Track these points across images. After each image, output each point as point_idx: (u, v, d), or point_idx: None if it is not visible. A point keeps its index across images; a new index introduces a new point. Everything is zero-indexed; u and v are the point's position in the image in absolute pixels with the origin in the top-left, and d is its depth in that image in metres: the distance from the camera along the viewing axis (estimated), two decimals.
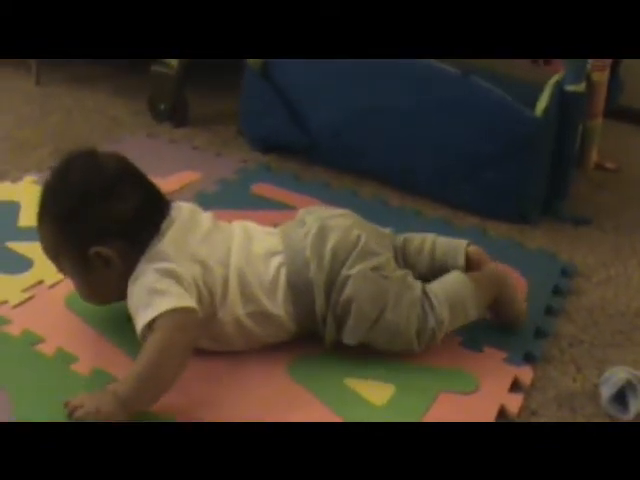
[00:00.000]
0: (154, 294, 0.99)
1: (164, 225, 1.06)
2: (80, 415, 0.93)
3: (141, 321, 0.99)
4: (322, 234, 1.09)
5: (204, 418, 0.98)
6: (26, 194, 1.50)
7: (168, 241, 1.04)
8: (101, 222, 1.03)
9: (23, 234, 1.36)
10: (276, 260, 1.08)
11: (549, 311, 1.26)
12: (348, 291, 1.06)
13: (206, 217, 1.12)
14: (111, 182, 1.04)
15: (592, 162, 1.75)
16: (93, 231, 1.03)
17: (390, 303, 1.07)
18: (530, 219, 1.53)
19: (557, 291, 1.31)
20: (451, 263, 1.17)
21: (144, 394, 0.96)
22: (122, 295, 1.04)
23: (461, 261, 1.17)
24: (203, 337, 1.06)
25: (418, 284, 1.11)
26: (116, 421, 0.93)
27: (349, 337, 1.08)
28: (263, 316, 1.06)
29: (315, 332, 1.10)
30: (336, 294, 1.06)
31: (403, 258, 1.18)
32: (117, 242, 1.03)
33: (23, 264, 1.28)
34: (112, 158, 1.08)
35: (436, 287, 1.11)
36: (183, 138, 1.82)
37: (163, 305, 0.98)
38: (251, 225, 1.15)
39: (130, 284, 1.02)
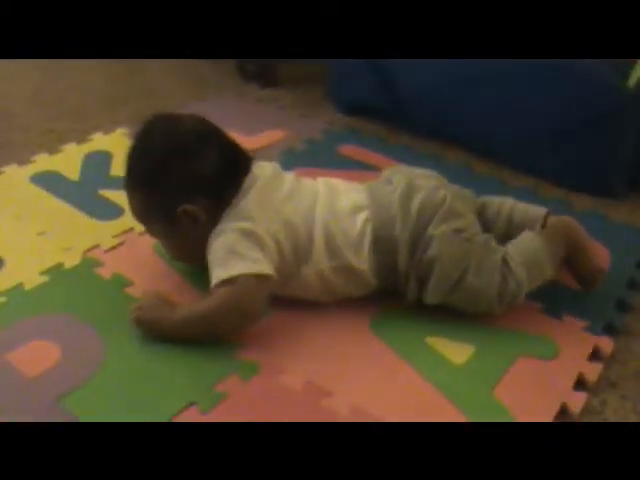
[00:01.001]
0: (231, 255, 1.02)
1: (247, 183, 1.08)
2: (141, 316, 1.03)
3: (215, 278, 1.02)
4: (409, 192, 1.09)
5: (286, 368, 1.01)
6: (118, 145, 1.55)
7: (252, 199, 1.06)
8: (183, 181, 1.05)
9: (115, 182, 1.41)
10: (362, 215, 1.09)
11: (632, 284, 1.24)
12: (431, 251, 1.06)
13: (289, 175, 1.14)
14: (189, 142, 1.06)
15: None
16: (177, 190, 1.05)
17: (472, 265, 1.07)
18: (617, 193, 1.51)
19: None
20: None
21: (187, 333, 1.03)
22: None
23: (537, 231, 1.16)
24: (288, 287, 1.09)
25: (500, 249, 1.11)
26: (161, 330, 1.03)
27: (431, 296, 1.08)
28: (347, 270, 1.08)
29: (397, 289, 1.11)
30: (420, 252, 1.07)
31: (481, 220, 1.18)
32: (201, 199, 1.06)
33: (114, 211, 1.33)
34: (191, 119, 1.11)
35: (512, 250, 1.11)
36: (270, 98, 1.84)
37: (237, 268, 1.01)
38: (335, 181, 1.16)
39: (211, 238, 1.05)
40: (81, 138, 1.58)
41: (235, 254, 1.02)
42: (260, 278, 1.02)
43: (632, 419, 0.99)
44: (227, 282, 1.01)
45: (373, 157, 1.57)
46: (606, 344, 1.10)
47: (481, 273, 1.07)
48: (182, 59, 2.02)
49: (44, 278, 1.15)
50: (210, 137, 1.09)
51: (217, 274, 1.02)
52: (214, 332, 1.03)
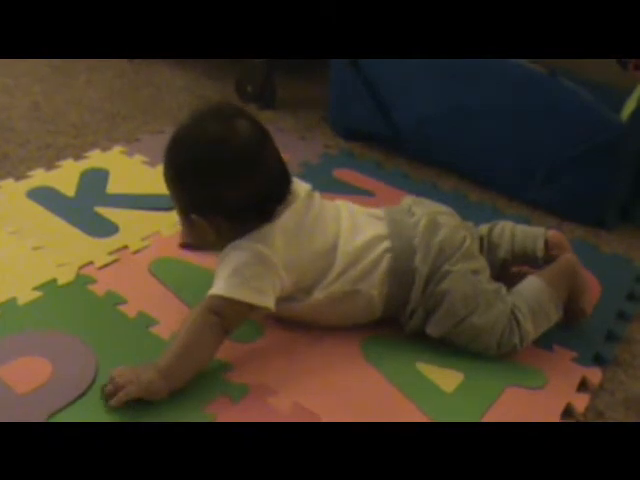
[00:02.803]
0: (237, 276, 1.01)
1: (280, 208, 1.05)
2: (121, 382, 0.95)
3: (214, 289, 1.02)
4: (432, 227, 1.10)
5: (276, 391, 1.01)
6: (115, 163, 1.56)
7: (280, 225, 1.04)
8: (205, 197, 1.03)
9: (111, 200, 1.43)
10: (383, 245, 1.09)
11: (622, 316, 1.25)
12: (445, 284, 1.07)
13: (317, 196, 1.12)
14: (233, 163, 1.01)
15: None
16: (194, 199, 1.03)
17: (480, 307, 1.08)
18: (608, 224, 1.52)
19: (631, 296, 1.30)
20: (531, 247, 1.19)
21: (181, 368, 0.98)
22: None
23: (540, 244, 1.19)
24: (292, 310, 1.09)
25: (509, 299, 1.11)
26: (157, 391, 0.96)
27: (434, 329, 1.09)
28: (355, 294, 1.08)
29: (398, 319, 1.12)
30: (433, 285, 1.08)
31: (488, 244, 1.20)
32: (218, 219, 1.03)
33: (110, 229, 1.34)
34: (253, 127, 1.04)
35: (518, 300, 1.11)
36: (268, 121, 1.84)
37: (237, 292, 1.00)
38: (356, 207, 1.16)
39: (227, 249, 1.03)
40: (78, 154, 1.59)
41: (241, 277, 1.01)
42: (254, 307, 1.02)
43: None
44: (222, 298, 1.01)
45: (369, 182, 1.58)
46: (595, 374, 1.10)
47: (487, 316, 1.08)
48: (181, 79, 2.04)
49: (38, 293, 1.15)
50: (261, 155, 1.03)
51: (217, 287, 1.01)
52: (204, 356, 1.01)
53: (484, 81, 1.52)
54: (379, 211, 1.17)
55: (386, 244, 1.10)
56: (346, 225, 1.10)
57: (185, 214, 1.06)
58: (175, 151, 1.04)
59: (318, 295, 1.07)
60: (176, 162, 1.04)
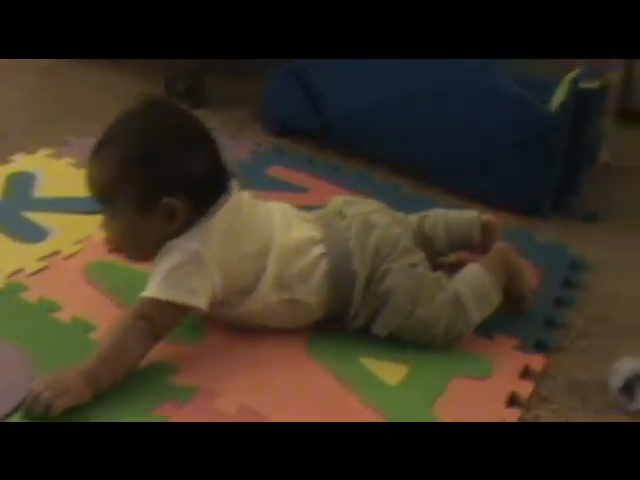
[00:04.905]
0: (169, 276, 0.99)
1: (220, 200, 1.03)
2: (51, 395, 0.90)
3: (146, 290, 0.99)
4: (366, 229, 1.10)
5: (220, 392, 0.99)
6: (41, 166, 1.52)
7: (217, 222, 1.02)
8: (178, 173, 1.00)
9: (38, 204, 1.38)
10: (317, 250, 1.08)
11: (559, 302, 1.27)
12: (387, 283, 1.07)
13: (245, 195, 1.10)
14: (194, 134, 1.03)
15: (603, 160, 1.76)
16: (168, 179, 1.00)
17: (424, 299, 1.08)
18: (541, 213, 1.54)
19: (568, 283, 1.32)
20: (467, 235, 1.23)
21: (105, 373, 0.96)
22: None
23: (476, 232, 1.22)
24: (230, 315, 1.07)
25: (451, 286, 1.12)
26: (83, 397, 0.93)
27: (380, 328, 1.09)
28: (294, 303, 1.07)
29: (341, 318, 1.11)
30: (374, 285, 1.08)
31: (421, 236, 1.20)
32: (185, 199, 1.00)
33: (38, 233, 1.30)
34: (192, 115, 1.07)
35: (461, 286, 1.12)
36: None
37: (168, 293, 0.98)
38: (287, 208, 1.15)
39: (163, 250, 1.01)
40: (2, 158, 1.53)
41: (173, 277, 0.99)
42: (186, 308, 1.00)
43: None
44: (153, 301, 0.98)
45: (302, 177, 1.57)
46: (537, 362, 1.12)
47: (431, 306, 1.09)
48: (107, 79, 1.99)
49: None
50: (207, 140, 1.05)
51: (150, 288, 0.99)
52: (131, 359, 0.98)
53: (417, 72, 1.52)
54: (310, 215, 1.16)
55: (320, 248, 1.08)
56: (277, 227, 1.09)
57: (147, 203, 1.00)
58: (144, 129, 1.02)
59: (254, 305, 1.05)
60: (151, 139, 1.01)
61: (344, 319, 1.11)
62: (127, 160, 1.00)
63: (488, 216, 1.25)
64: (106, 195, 1.03)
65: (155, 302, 0.98)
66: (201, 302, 1.00)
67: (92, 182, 1.03)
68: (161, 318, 0.99)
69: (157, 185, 1.00)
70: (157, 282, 0.99)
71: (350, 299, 1.08)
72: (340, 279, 1.08)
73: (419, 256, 1.13)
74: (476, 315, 1.11)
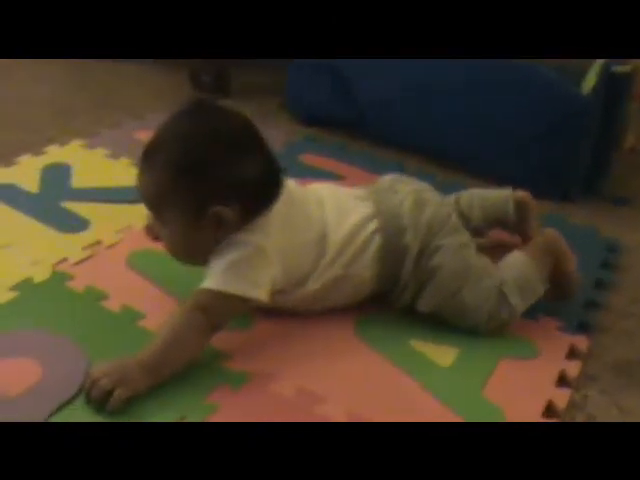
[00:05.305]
0: (232, 268, 0.98)
1: (276, 196, 1.03)
2: (109, 385, 0.90)
3: (206, 283, 0.99)
4: (419, 205, 1.11)
5: (275, 376, 1.00)
6: (75, 157, 1.52)
7: (276, 215, 1.02)
8: (228, 180, 0.98)
9: (76, 194, 1.39)
10: (371, 226, 1.09)
11: (599, 284, 1.28)
12: (437, 259, 1.08)
13: (292, 183, 1.10)
14: (242, 135, 1.01)
15: (629, 144, 1.76)
16: (218, 189, 0.98)
17: (470, 283, 1.09)
18: (572, 197, 1.55)
19: (605, 265, 1.33)
20: (502, 212, 1.23)
21: (165, 365, 0.96)
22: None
23: (511, 208, 1.23)
24: (282, 302, 1.08)
25: (497, 275, 1.12)
26: (140, 389, 0.93)
27: (424, 304, 1.10)
28: (348, 278, 1.08)
29: (389, 295, 1.12)
30: (425, 260, 1.09)
31: (459, 214, 1.20)
32: (237, 204, 0.99)
33: (80, 224, 1.30)
34: (238, 116, 1.04)
35: (505, 275, 1.12)
36: None
37: (232, 286, 0.98)
38: (338, 189, 1.16)
39: (223, 245, 1.00)
40: (36, 151, 1.54)
41: (237, 270, 0.99)
42: (247, 300, 1.00)
43: (613, 412, 1.02)
44: (214, 293, 0.99)
45: (337, 165, 1.58)
46: (581, 342, 1.13)
47: (476, 291, 1.09)
48: (133, 70, 2.00)
49: (14, 293, 1.11)
50: (257, 139, 1.03)
51: (210, 281, 0.99)
52: (183, 349, 0.98)
53: (448, 60, 1.52)
54: (361, 191, 1.16)
55: (374, 224, 1.09)
56: (331, 210, 1.09)
57: (197, 212, 0.99)
58: (191, 139, 0.99)
59: (313, 285, 1.06)
60: (199, 149, 0.99)
61: (392, 293, 1.12)
62: (174, 170, 0.98)
63: (522, 193, 1.25)
64: (156, 205, 1.02)
65: (216, 294, 0.98)
66: (262, 294, 1.00)
67: (141, 191, 1.02)
68: (221, 310, 0.99)
69: (205, 195, 0.98)
70: (218, 274, 0.99)
71: (400, 273, 1.09)
72: (392, 253, 1.09)
73: (468, 237, 1.14)
74: (520, 305, 1.11)
